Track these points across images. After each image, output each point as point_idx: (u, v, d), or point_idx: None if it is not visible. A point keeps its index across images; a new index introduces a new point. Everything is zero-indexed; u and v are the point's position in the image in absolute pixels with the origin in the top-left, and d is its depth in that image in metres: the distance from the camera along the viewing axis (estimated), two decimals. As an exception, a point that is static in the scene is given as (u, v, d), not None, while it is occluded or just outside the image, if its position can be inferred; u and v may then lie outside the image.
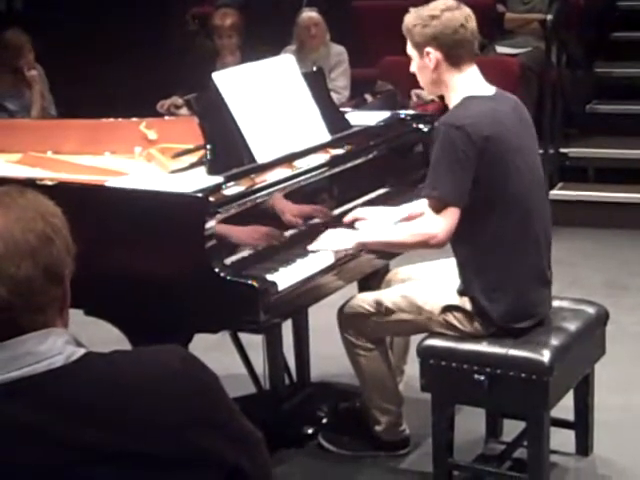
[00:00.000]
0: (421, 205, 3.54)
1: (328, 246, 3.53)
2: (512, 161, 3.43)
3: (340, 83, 7.23)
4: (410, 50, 3.59)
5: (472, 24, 3.52)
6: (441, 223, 3.38)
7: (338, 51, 7.33)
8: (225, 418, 1.68)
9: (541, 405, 3.42)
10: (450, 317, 3.57)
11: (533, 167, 3.55)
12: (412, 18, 3.56)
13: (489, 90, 3.55)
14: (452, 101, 3.53)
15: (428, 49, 3.50)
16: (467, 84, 3.51)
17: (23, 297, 1.59)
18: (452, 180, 3.37)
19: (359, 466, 3.88)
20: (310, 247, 3.53)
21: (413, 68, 3.61)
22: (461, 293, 3.57)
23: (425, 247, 3.47)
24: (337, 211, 3.82)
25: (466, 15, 3.51)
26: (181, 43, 8.32)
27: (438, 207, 3.38)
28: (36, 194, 1.68)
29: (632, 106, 7.87)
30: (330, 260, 3.50)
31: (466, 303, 3.54)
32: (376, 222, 3.75)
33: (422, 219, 3.46)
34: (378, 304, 3.68)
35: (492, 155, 3.37)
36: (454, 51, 3.49)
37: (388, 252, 3.78)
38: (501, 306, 3.48)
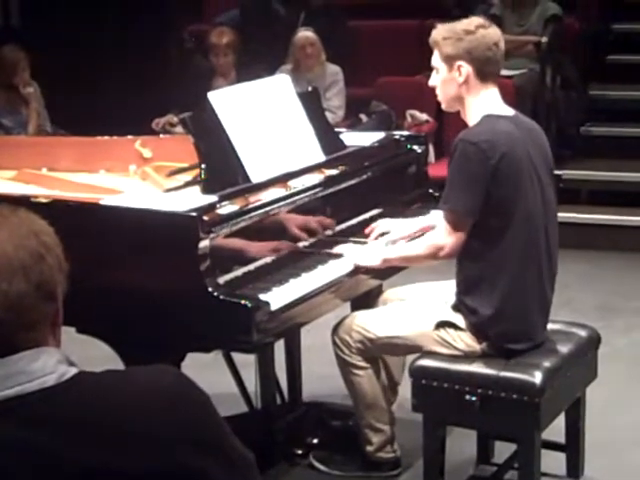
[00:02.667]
0: (436, 217, 3.60)
1: (356, 260, 3.63)
2: (523, 183, 3.46)
3: (335, 103, 7.26)
4: (437, 62, 3.61)
5: (502, 45, 3.59)
6: (449, 236, 3.47)
7: (333, 71, 7.35)
8: (216, 438, 1.68)
9: (532, 427, 3.42)
10: (444, 333, 3.58)
11: (544, 192, 3.56)
12: (443, 31, 3.59)
13: (508, 111, 3.60)
14: (471, 118, 3.57)
15: (460, 62, 3.54)
16: (489, 103, 3.56)
17: (15, 313, 1.59)
18: (464, 195, 3.43)
19: (350, 486, 3.88)
20: (336, 251, 3.68)
21: (435, 81, 3.64)
22: (456, 309, 3.58)
23: (434, 258, 3.58)
24: (331, 231, 3.83)
25: (499, 35, 3.60)
26: (177, 61, 8.34)
27: (449, 220, 3.47)
28: (29, 212, 1.68)
29: (626, 129, 7.91)
30: (324, 280, 3.51)
31: (460, 319, 3.56)
32: (397, 234, 3.85)
33: (434, 231, 3.56)
34: (372, 323, 3.69)
35: (505, 174, 3.41)
36: (485, 68, 3.54)
37: (382, 272, 3.79)
38: (501, 326, 3.50)
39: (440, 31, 3.61)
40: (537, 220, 3.52)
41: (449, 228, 3.46)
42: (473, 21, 3.60)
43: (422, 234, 3.80)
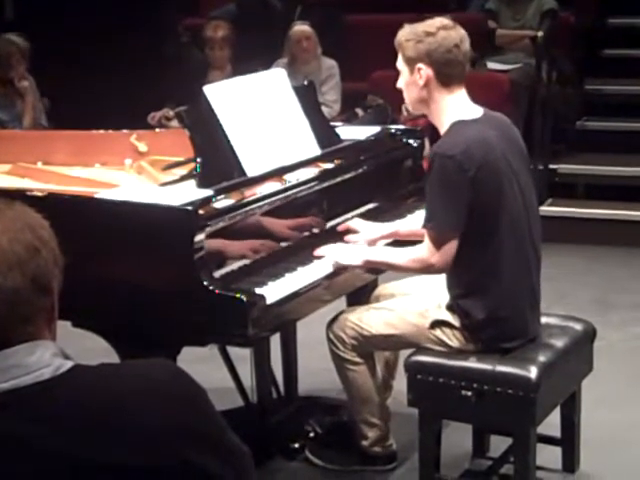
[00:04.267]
0: (421, 232, 3.55)
1: (336, 258, 3.57)
2: (504, 185, 3.44)
3: (331, 97, 7.25)
4: (400, 65, 3.58)
5: (466, 46, 3.51)
6: (438, 254, 3.41)
7: (329, 65, 7.35)
8: (212, 432, 1.68)
9: (528, 421, 3.42)
10: (439, 332, 3.57)
11: (525, 188, 3.55)
12: (406, 33, 3.55)
13: (477, 112, 3.54)
14: (440, 124, 3.53)
15: (420, 65, 3.49)
16: (455, 107, 3.51)
17: (10, 307, 1.59)
18: (447, 211, 3.39)
19: (346, 481, 3.88)
20: (316, 253, 3.59)
21: (400, 83, 3.61)
22: (450, 309, 3.57)
23: (424, 273, 3.59)
24: (326, 225, 3.83)
25: (461, 36, 3.51)
26: (173, 55, 8.32)
27: (435, 238, 3.41)
28: (24, 206, 1.68)
29: (621, 123, 7.91)
30: (319, 274, 3.51)
31: (455, 319, 3.55)
32: (366, 235, 3.78)
33: (422, 247, 3.48)
34: (367, 319, 3.68)
35: (485, 182, 3.38)
36: (445, 70, 3.48)
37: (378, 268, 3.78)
38: (494, 329, 3.50)
39: (403, 32, 3.56)
40: (521, 219, 3.50)
41: (435, 246, 3.41)
42: (435, 22, 3.52)
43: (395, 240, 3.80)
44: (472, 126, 3.47)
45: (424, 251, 3.46)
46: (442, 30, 3.48)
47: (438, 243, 3.41)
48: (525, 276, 3.54)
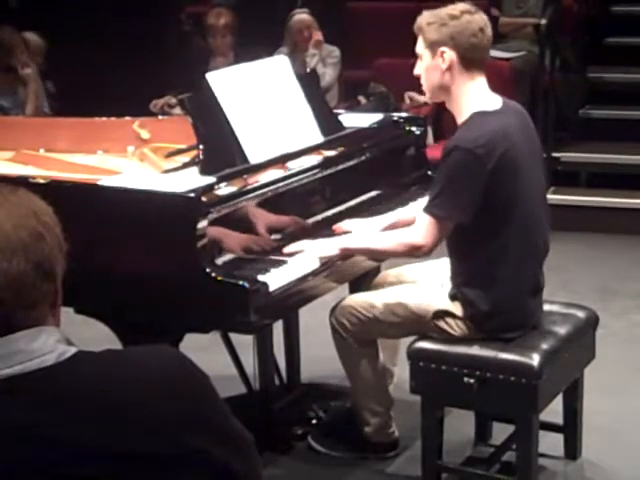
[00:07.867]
0: (416, 214, 3.53)
1: (313, 252, 3.50)
2: (521, 176, 3.41)
3: (329, 72, 7.18)
4: (420, 49, 3.52)
5: (489, 31, 3.48)
6: (431, 236, 3.39)
7: (329, 50, 7.32)
8: (216, 418, 1.68)
9: (530, 408, 3.42)
10: (441, 322, 3.57)
11: (537, 178, 3.53)
12: (428, 16, 3.49)
13: (496, 102, 3.50)
14: (459, 112, 3.48)
15: (443, 48, 3.44)
16: (476, 94, 3.47)
17: (14, 292, 1.59)
18: (454, 204, 3.36)
19: (348, 468, 3.89)
20: (288, 250, 3.49)
21: (419, 69, 3.55)
22: (453, 298, 3.57)
23: (410, 256, 3.54)
24: (329, 213, 3.83)
25: (485, 20, 3.49)
26: (175, 42, 8.32)
27: (433, 224, 3.38)
28: (28, 192, 1.68)
29: (625, 111, 7.89)
30: (321, 261, 3.50)
31: (458, 308, 3.54)
32: (361, 232, 3.73)
33: (412, 229, 3.46)
34: (369, 307, 3.68)
35: (504, 173, 3.35)
36: (469, 54, 3.44)
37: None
38: (498, 320, 3.49)
39: (425, 17, 3.50)
40: (533, 210, 3.49)
41: (431, 230, 3.38)
42: (458, 6, 3.49)
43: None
44: (493, 118, 3.42)
45: (415, 233, 3.42)
46: (466, 14, 3.45)
47: (435, 229, 3.38)
48: (531, 267, 3.53)
